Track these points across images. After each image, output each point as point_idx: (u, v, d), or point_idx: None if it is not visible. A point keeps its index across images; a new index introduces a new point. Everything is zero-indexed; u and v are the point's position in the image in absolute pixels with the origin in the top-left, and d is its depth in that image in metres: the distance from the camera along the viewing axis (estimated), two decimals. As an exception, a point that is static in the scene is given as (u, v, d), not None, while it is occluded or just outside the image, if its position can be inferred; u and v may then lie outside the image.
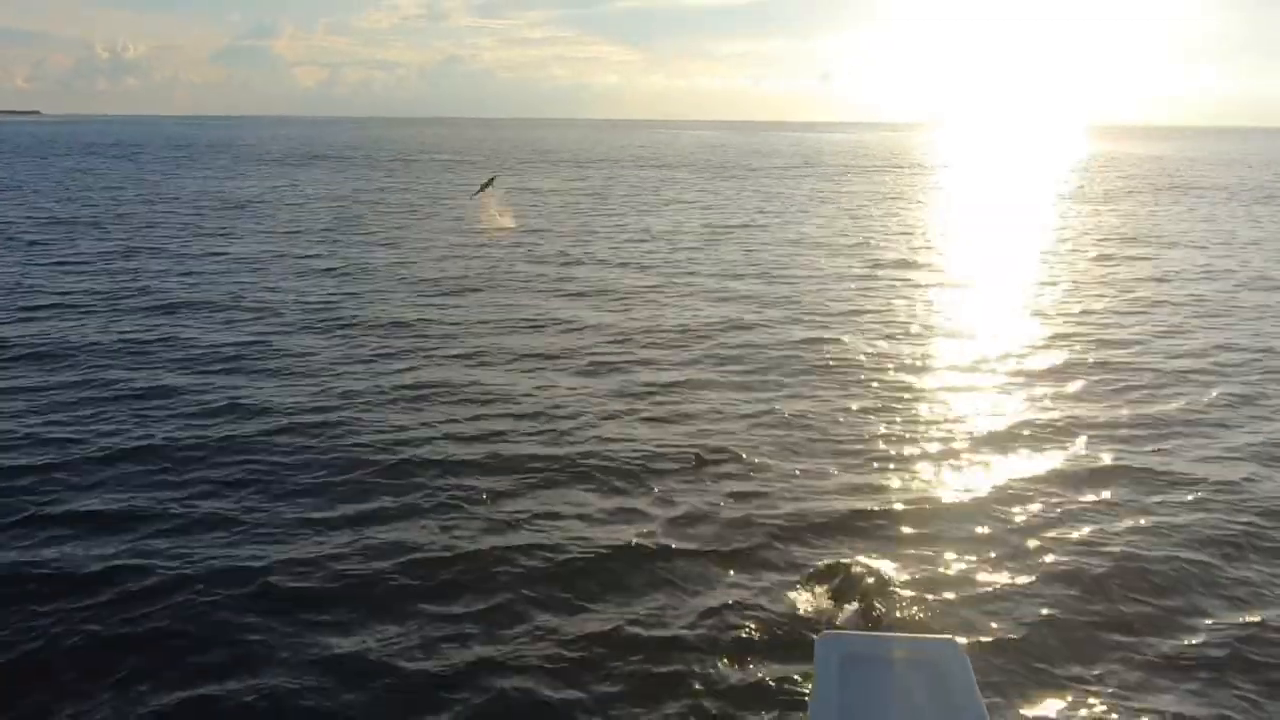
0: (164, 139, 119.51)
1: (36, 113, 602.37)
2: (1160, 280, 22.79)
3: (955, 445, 11.26)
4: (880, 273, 23.55)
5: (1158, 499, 9.74)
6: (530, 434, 11.34)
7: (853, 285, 21.68)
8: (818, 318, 18.17)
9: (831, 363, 14.87)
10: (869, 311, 18.80)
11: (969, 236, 32.76)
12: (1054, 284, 22.44)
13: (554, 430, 11.46)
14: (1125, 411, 12.61)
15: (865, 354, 15.37)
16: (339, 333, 16.27)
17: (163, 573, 7.78)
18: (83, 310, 17.57)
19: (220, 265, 22.90)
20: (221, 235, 28.36)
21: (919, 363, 14.97)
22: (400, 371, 13.88)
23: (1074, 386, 13.74)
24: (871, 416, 12.25)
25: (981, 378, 14.21)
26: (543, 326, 17.04)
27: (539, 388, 13.25)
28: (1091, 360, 15.19)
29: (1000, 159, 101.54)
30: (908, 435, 11.54)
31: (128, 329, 16.17)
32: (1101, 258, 26.51)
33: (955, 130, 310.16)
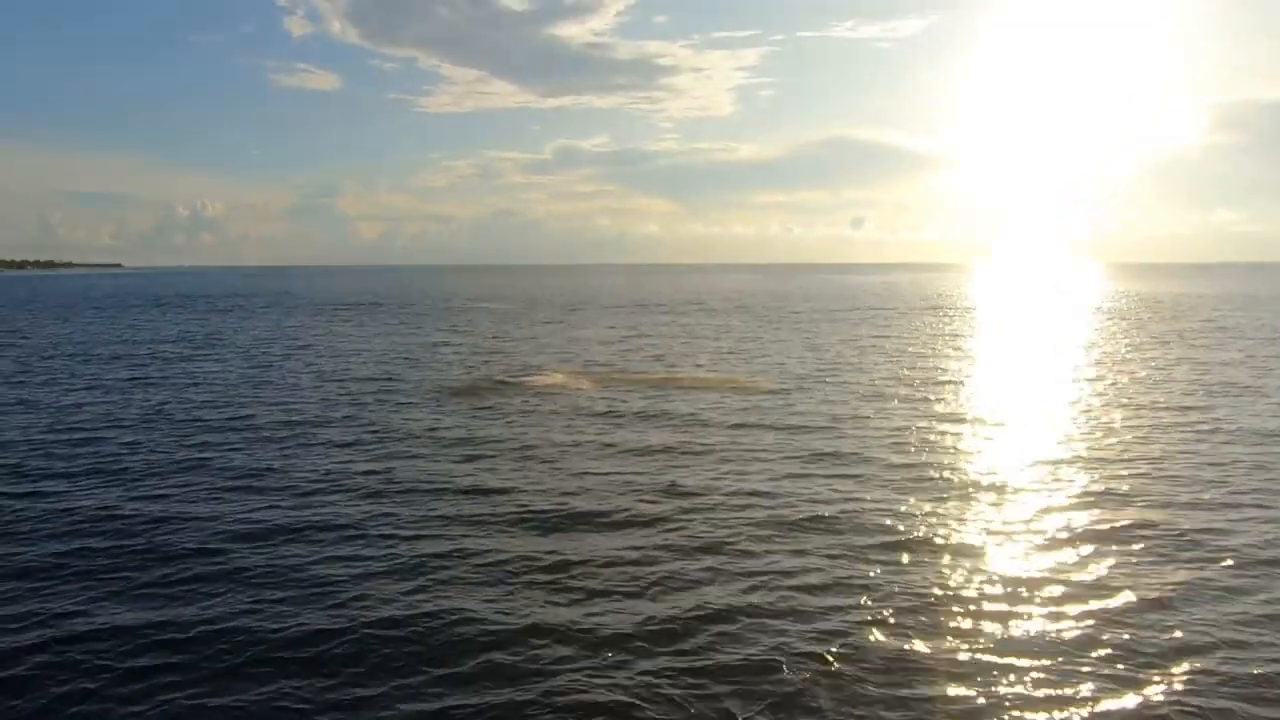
0: (227, 288, 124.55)
1: (119, 265, 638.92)
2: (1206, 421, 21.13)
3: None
4: (944, 422, 22.35)
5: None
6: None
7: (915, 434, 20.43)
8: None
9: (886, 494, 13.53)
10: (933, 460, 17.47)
11: (1020, 378, 31.64)
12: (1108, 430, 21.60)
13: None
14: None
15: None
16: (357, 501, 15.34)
17: None
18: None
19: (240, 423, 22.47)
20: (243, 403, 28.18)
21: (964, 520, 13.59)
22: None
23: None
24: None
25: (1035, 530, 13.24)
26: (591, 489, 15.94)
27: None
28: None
29: (1034, 298, 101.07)
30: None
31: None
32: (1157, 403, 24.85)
33: (984, 269, 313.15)
